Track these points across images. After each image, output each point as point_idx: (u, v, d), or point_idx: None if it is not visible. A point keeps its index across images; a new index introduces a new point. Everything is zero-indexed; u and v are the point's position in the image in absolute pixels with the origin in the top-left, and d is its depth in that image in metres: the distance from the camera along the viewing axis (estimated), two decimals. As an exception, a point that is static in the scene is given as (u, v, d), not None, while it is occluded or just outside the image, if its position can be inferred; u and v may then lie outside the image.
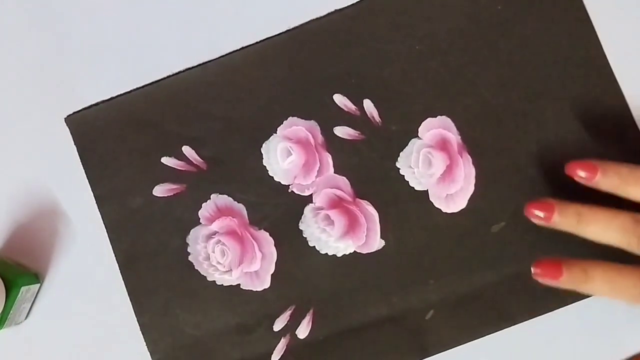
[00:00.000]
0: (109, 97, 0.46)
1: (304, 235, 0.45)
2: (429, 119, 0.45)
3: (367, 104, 0.45)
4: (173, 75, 0.46)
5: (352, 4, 0.45)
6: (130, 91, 0.46)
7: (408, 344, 0.44)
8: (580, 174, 0.39)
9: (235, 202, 0.45)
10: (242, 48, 0.46)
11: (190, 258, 0.45)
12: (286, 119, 0.45)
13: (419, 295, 0.44)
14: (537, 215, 0.40)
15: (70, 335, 0.45)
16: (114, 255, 0.45)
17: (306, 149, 0.45)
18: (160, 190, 0.45)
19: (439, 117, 0.45)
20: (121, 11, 0.47)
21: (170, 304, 0.45)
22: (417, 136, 0.45)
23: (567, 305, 0.44)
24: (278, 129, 0.45)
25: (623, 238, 0.38)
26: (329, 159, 0.45)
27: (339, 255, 0.45)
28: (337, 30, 0.45)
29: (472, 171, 0.45)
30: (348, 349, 0.44)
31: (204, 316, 0.45)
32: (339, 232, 0.45)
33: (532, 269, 0.39)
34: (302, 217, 0.45)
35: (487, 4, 0.45)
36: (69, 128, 0.46)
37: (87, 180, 0.46)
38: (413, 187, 0.45)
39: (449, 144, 0.45)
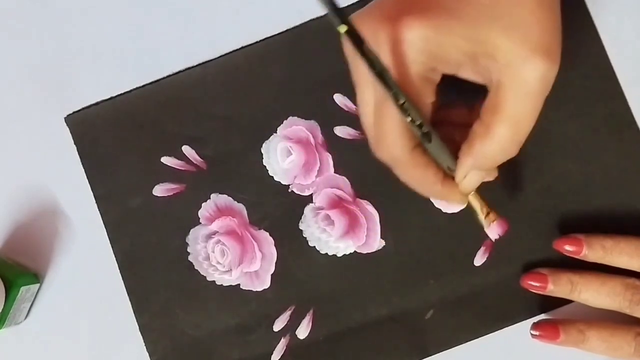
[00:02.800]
0: (109, 97, 0.46)
1: (304, 235, 0.45)
2: (429, 119, 0.45)
3: (367, 104, 0.45)
4: (173, 75, 0.46)
5: (352, 4, 0.45)
6: (130, 91, 0.46)
7: (408, 343, 0.44)
8: (568, 249, 0.42)
9: (235, 202, 0.45)
10: (242, 48, 0.46)
11: (190, 258, 0.45)
12: (286, 119, 0.45)
13: (419, 295, 0.44)
14: (532, 285, 0.42)
15: (69, 335, 0.45)
16: (113, 255, 0.45)
17: (306, 148, 0.45)
18: (160, 190, 0.45)
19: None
20: (121, 11, 0.46)
21: (170, 304, 0.45)
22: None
23: (566, 305, 0.43)
24: (278, 128, 0.45)
25: (614, 302, 0.41)
26: (329, 158, 0.45)
27: (339, 255, 0.45)
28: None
29: (472, 171, 0.45)
30: (348, 349, 0.44)
31: (204, 316, 0.45)
32: (339, 232, 0.45)
33: (530, 331, 0.42)
34: (302, 217, 0.45)
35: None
36: (69, 128, 0.46)
37: (87, 180, 0.46)
38: (413, 187, 0.45)
39: (449, 143, 0.45)
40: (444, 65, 0.34)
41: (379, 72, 0.32)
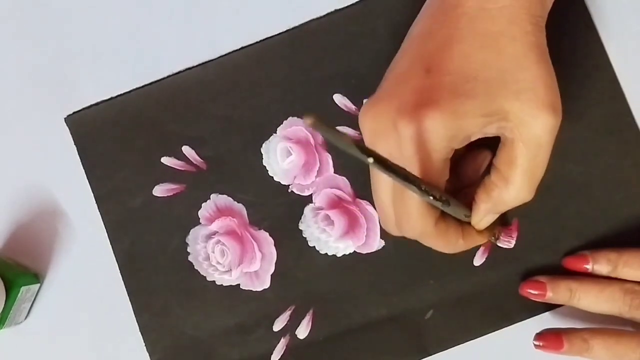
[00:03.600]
0: (109, 97, 0.46)
1: (304, 235, 0.45)
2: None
3: (367, 104, 0.45)
4: (173, 75, 0.46)
5: (352, 4, 0.45)
6: (130, 91, 0.46)
7: (408, 344, 0.44)
8: (571, 266, 0.43)
9: (235, 202, 0.45)
10: (242, 48, 0.46)
11: (190, 258, 0.45)
12: (286, 119, 0.45)
13: (418, 295, 0.44)
14: (531, 293, 0.43)
15: (70, 335, 0.45)
16: (114, 255, 0.45)
17: (306, 149, 0.45)
18: (160, 190, 0.45)
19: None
20: (121, 11, 0.46)
21: (170, 304, 0.45)
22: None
23: (566, 304, 0.43)
24: (278, 129, 0.45)
25: (614, 308, 0.41)
26: (329, 159, 0.45)
27: (339, 255, 0.45)
28: (337, 30, 0.45)
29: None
30: (348, 349, 0.44)
31: (204, 316, 0.45)
32: (339, 232, 0.45)
33: (533, 341, 0.42)
34: (302, 217, 0.45)
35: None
36: (69, 128, 0.46)
37: (87, 180, 0.46)
38: (413, 187, 0.45)
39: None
40: (461, 143, 0.36)
41: (403, 177, 0.33)
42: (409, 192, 0.35)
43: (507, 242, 0.43)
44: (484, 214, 0.39)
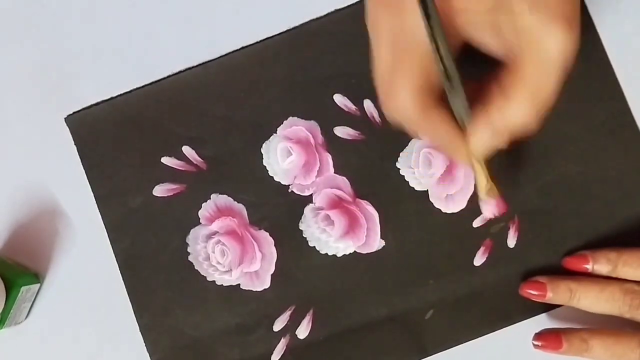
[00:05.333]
0: (109, 97, 0.46)
1: (304, 236, 0.45)
2: (429, 119, 0.45)
3: (367, 104, 0.45)
4: (173, 75, 0.46)
5: (352, 4, 0.45)
6: (131, 91, 0.46)
7: (408, 343, 0.44)
8: (571, 266, 0.43)
9: (235, 202, 0.45)
10: (242, 48, 0.46)
11: (190, 258, 0.45)
12: (286, 119, 0.45)
13: (418, 295, 0.44)
14: (531, 294, 0.43)
15: (70, 335, 0.45)
16: (114, 255, 0.45)
17: (306, 149, 0.45)
18: (160, 190, 0.45)
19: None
20: (121, 11, 0.46)
21: (170, 304, 0.45)
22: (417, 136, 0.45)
23: (566, 304, 0.44)
24: (278, 129, 0.45)
25: (614, 308, 0.41)
26: (329, 159, 0.45)
27: (339, 255, 0.45)
28: (337, 30, 0.45)
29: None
30: (348, 349, 0.44)
31: (204, 316, 0.45)
32: (339, 232, 0.45)
33: (533, 341, 0.42)
34: (302, 217, 0.45)
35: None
36: (69, 128, 0.46)
37: (87, 180, 0.46)
38: (413, 187, 0.45)
39: (449, 144, 0.45)
40: (470, 29, 0.35)
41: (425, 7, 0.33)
42: (405, 68, 0.35)
43: (491, 211, 0.40)
44: (480, 124, 0.36)
